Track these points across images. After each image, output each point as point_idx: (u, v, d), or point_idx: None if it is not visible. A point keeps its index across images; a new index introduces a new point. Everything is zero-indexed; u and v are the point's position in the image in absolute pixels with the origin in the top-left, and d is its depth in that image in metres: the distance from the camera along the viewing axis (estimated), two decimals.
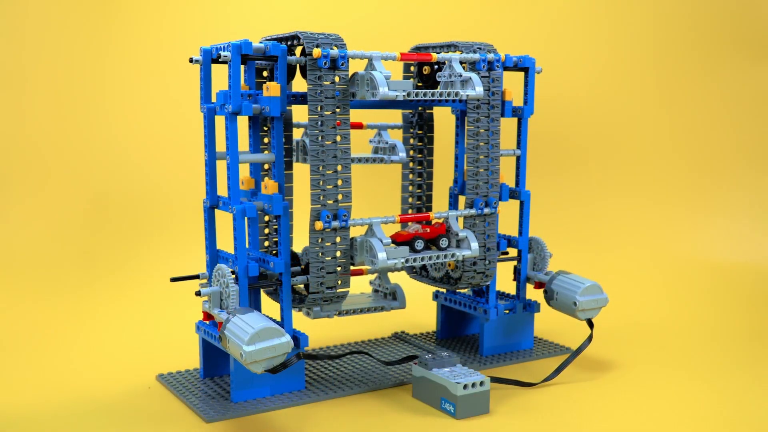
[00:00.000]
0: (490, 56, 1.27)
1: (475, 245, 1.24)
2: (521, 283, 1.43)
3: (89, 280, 1.81)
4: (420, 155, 1.44)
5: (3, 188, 1.92)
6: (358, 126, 1.37)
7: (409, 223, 1.26)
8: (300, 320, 1.51)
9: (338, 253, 1.17)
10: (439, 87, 1.31)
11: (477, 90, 1.19)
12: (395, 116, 1.50)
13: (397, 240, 1.22)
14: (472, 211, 1.29)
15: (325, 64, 1.12)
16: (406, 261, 1.19)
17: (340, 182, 1.16)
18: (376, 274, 1.36)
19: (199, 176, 1.76)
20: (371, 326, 1.58)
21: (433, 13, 2.15)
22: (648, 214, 2.18)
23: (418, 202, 1.45)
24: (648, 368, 1.36)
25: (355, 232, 1.76)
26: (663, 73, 2.23)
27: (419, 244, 1.22)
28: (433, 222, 1.28)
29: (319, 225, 1.14)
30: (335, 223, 1.15)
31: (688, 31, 2.23)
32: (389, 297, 1.36)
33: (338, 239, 1.17)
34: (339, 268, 1.17)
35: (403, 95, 1.14)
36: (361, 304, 1.32)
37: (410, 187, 1.45)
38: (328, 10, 2.09)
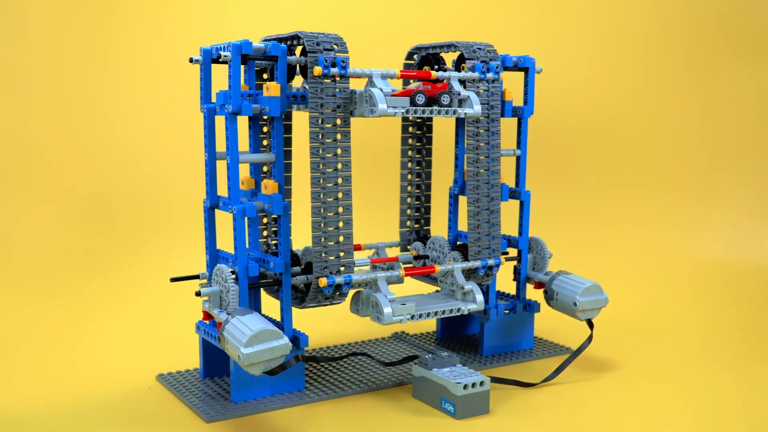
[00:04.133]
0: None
1: (477, 107, 1.21)
2: (521, 283, 1.43)
3: (89, 279, 1.81)
4: (419, 155, 1.44)
5: (3, 188, 1.92)
6: (357, 248, 1.39)
7: (411, 81, 1.23)
8: (300, 320, 1.51)
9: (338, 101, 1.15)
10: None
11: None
12: (395, 121, 1.51)
13: (399, 96, 1.19)
14: (474, 75, 1.27)
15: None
16: (407, 111, 1.17)
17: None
18: (447, 273, 1.30)
19: (199, 176, 1.75)
20: (371, 326, 1.58)
21: (433, 13, 2.15)
22: (648, 213, 2.18)
23: (417, 203, 1.45)
24: (648, 368, 1.36)
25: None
26: (663, 73, 2.23)
27: (420, 98, 1.19)
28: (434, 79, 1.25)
29: (317, 70, 1.12)
30: (334, 70, 1.14)
31: (689, 31, 2.23)
32: (463, 297, 1.28)
33: (337, 90, 1.15)
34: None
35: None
36: (435, 306, 1.24)
37: (409, 188, 1.45)
38: (328, 10, 2.09)
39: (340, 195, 1.16)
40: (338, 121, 1.15)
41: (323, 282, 1.14)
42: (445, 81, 1.23)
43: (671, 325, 1.64)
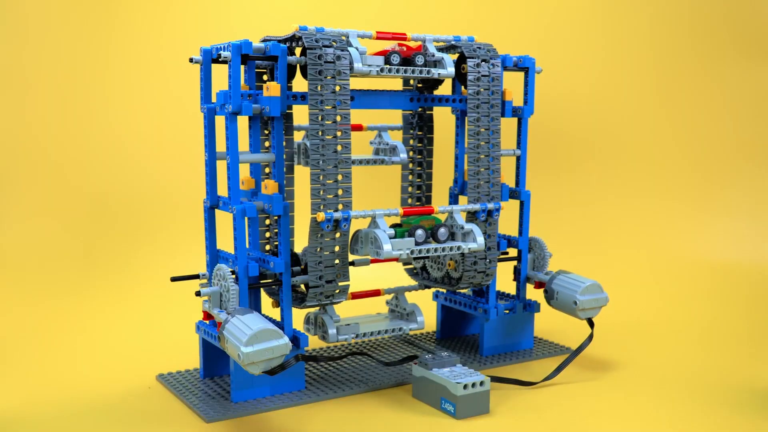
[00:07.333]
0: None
1: (451, 69, 1.22)
2: (521, 283, 1.43)
3: (89, 280, 1.82)
4: (420, 156, 1.44)
5: (3, 188, 1.92)
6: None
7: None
8: (300, 320, 1.51)
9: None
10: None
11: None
12: (395, 118, 1.51)
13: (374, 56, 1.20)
14: (449, 37, 1.28)
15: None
16: (381, 70, 1.18)
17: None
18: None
19: (199, 176, 1.76)
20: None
21: (433, 13, 2.15)
22: (648, 213, 2.18)
23: (417, 203, 1.45)
24: (648, 368, 1.36)
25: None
26: (663, 73, 2.23)
27: (395, 58, 1.20)
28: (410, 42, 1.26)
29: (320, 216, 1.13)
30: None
31: (689, 31, 2.23)
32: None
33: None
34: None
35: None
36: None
37: (410, 188, 1.45)
38: (328, 11, 2.09)
39: (339, 148, 1.15)
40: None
41: (321, 217, 1.12)
42: (420, 44, 1.24)
43: (671, 325, 1.64)
